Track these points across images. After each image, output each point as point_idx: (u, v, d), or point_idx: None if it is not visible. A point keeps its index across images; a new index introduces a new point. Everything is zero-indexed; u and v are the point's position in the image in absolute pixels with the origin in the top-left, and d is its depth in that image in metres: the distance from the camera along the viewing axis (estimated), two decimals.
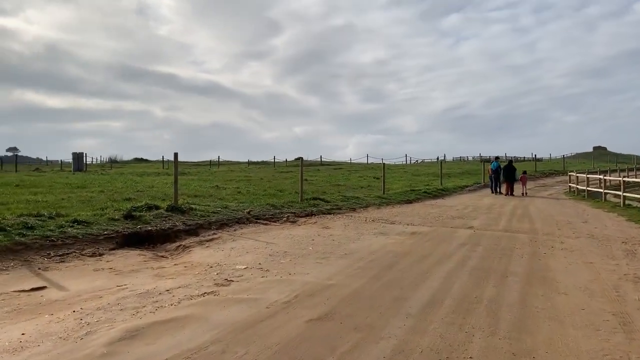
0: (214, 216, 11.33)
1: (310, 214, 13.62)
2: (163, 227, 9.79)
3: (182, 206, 11.55)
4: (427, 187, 23.99)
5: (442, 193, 22.46)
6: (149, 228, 9.57)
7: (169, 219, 10.44)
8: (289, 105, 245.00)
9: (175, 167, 12.40)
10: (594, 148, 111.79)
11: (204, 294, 5.56)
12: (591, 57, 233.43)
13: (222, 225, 10.84)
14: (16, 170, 35.60)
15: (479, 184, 27.97)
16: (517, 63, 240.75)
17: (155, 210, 11.02)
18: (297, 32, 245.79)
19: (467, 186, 26.28)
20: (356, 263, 7.34)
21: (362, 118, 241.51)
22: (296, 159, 75.13)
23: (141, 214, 10.50)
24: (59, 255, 7.45)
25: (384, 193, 19.97)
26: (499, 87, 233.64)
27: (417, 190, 21.73)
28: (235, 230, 10.56)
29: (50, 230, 8.37)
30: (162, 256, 8.21)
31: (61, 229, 8.49)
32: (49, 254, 7.47)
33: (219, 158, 51.44)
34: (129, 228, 9.39)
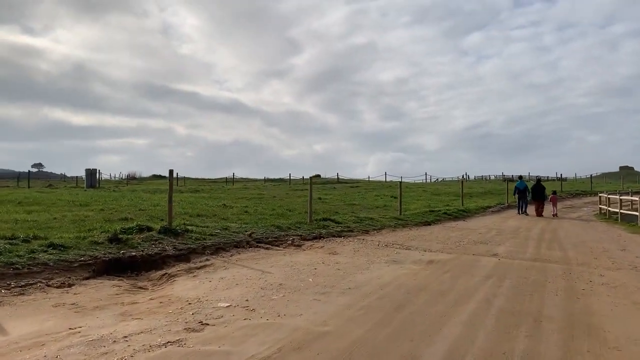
0: (210, 239, 10.34)
1: (318, 237, 12.55)
2: (150, 252, 8.82)
3: (177, 228, 10.59)
4: (447, 207, 22.74)
5: (463, 214, 21.18)
6: (133, 253, 8.60)
7: (159, 243, 9.48)
8: (309, 122, 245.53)
9: (170, 185, 11.49)
10: (621, 168, 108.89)
11: (166, 344, 4.52)
12: (614, 76, 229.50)
13: (218, 249, 9.84)
14: (29, 186, 35.30)
15: (502, 204, 26.58)
16: (538, 82, 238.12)
17: (146, 233, 10.08)
18: (318, 51, 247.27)
19: (490, 207, 24.94)
20: (360, 301, 6.23)
21: (381, 136, 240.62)
22: (314, 177, 74.39)
23: (129, 236, 9.56)
24: (20, 286, 6.50)
25: (400, 214, 18.81)
26: (520, 106, 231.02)
27: (436, 210, 20.51)
28: (231, 255, 9.54)
29: (19, 255, 7.45)
30: (141, 287, 7.21)
31: (31, 255, 7.57)
32: (9, 284, 6.53)
33: (233, 175, 50.73)
34: (110, 253, 8.44)
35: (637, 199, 19.54)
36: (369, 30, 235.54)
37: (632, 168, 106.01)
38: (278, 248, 10.78)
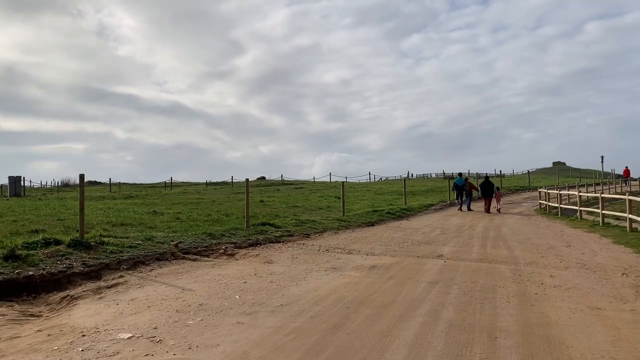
0: (128, 252, 9.18)
1: (254, 244, 11.59)
2: (52, 271, 7.60)
3: (90, 240, 9.36)
4: (390, 206, 22.29)
5: (406, 213, 20.76)
6: (31, 273, 7.36)
7: (66, 259, 8.25)
8: (254, 124, 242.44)
9: (81, 192, 10.25)
10: (554, 163, 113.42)
11: None
12: (545, 76, 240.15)
13: (137, 263, 8.71)
14: None
15: (444, 202, 26.48)
16: (475, 82, 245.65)
17: (53, 247, 8.81)
18: (261, 53, 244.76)
19: (432, 205, 24.72)
20: (292, 322, 5.36)
21: (327, 137, 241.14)
22: (258, 179, 72.98)
23: (31, 252, 8.28)
24: None
25: (343, 215, 18.12)
26: (458, 106, 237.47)
27: (379, 210, 19.97)
28: (151, 270, 8.44)
29: None
30: (34, 314, 6.05)
31: None
32: None
33: (171, 179, 48.75)
34: (2, 274, 7.17)
35: (575, 193, 19.73)
36: (311, 32, 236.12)
37: (564, 163, 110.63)
38: (207, 259, 9.75)
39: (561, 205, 20.54)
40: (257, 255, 10.19)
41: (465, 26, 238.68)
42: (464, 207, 24.01)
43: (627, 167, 46.23)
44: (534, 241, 12.45)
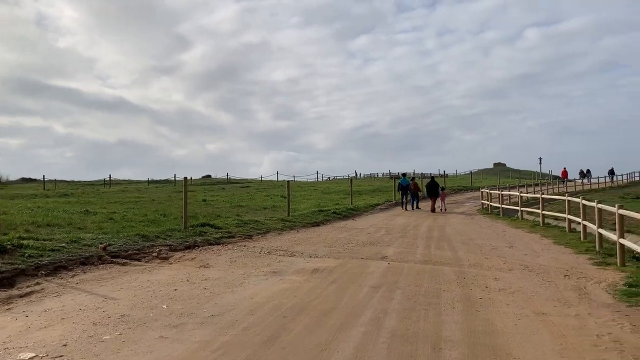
0: (50, 256, 8.39)
1: (191, 246, 10.97)
2: None
3: (6, 243, 8.50)
4: (336, 206, 22.06)
5: (352, 213, 20.57)
6: None
7: None
8: (201, 121, 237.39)
9: None
10: (495, 164, 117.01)
11: None
12: (488, 79, 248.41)
13: (58, 269, 7.96)
14: None
15: (390, 201, 26.55)
16: (421, 84, 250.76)
17: None
18: (209, 48, 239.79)
19: (378, 204, 24.69)
20: (222, 335, 4.89)
21: (275, 135, 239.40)
22: (204, 177, 71.35)
23: None
24: None
25: (288, 215, 17.69)
26: (404, 107, 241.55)
27: (325, 210, 19.67)
28: (73, 276, 7.72)
29: None
30: None
31: None
32: None
33: (110, 177, 46.79)
34: None
35: (516, 194, 20.12)
36: (260, 30, 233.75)
37: (504, 164, 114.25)
38: (138, 263, 9.09)
39: (503, 206, 20.93)
40: (193, 258, 9.61)
41: (412, 29, 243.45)
42: (409, 207, 24.32)
43: (565, 168, 48.31)
44: (477, 242, 12.45)
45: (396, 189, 26.27)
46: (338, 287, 7.10)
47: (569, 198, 13.97)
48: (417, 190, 25.20)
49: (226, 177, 53.36)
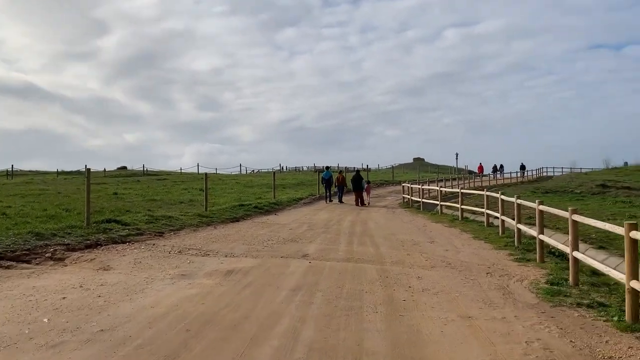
0: None
1: (93, 245, 9.90)
2: None
3: None
4: (258, 200, 21.33)
5: (275, 207, 19.94)
6: None
7: None
8: (119, 110, 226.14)
9: None
10: (414, 159, 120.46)
11: None
12: (408, 77, 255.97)
13: None
14: None
15: (314, 195, 26.16)
16: (346, 80, 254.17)
17: None
18: (128, 34, 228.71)
19: (302, 198, 24.22)
20: (109, 356, 4.12)
21: (198, 126, 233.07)
22: (119, 169, 67.70)
23: None
24: None
25: (206, 210, 16.75)
26: (330, 102, 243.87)
27: (246, 204, 18.89)
28: None
29: None
30: None
31: None
32: None
33: (12, 167, 43.11)
34: None
35: (435, 188, 20.35)
36: (182, 17, 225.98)
37: (423, 159, 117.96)
38: (26, 265, 7.97)
39: (423, 200, 21.13)
40: (92, 259, 8.60)
41: (337, 24, 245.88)
42: (335, 200, 24.32)
43: (480, 163, 50.35)
44: (399, 237, 12.25)
45: (320, 182, 26.04)
46: (253, 291, 6.47)
47: (487, 193, 14.15)
48: (344, 184, 25.18)
49: (142, 169, 50.82)
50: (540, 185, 37.44)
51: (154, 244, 10.50)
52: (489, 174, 48.45)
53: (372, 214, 18.91)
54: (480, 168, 50.06)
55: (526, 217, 13.90)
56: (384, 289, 6.61)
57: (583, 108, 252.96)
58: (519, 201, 10.38)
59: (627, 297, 5.07)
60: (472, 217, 16.33)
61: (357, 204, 22.86)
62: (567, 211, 7.04)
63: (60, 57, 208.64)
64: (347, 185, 25.50)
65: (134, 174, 51.42)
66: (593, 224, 6.28)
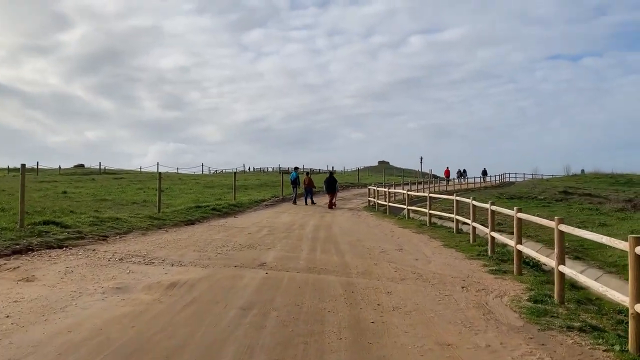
0: None
1: (23, 250, 8.75)
2: None
3: None
4: (218, 201, 20.25)
5: (234, 209, 18.90)
6: None
7: None
8: (80, 107, 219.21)
9: None
10: (379, 162, 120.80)
11: None
12: (374, 81, 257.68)
13: None
14: None
15: (277, 197, 25.22)
16: (312, 82, 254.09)
17: None
18: (91, 30, 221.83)
19: (264, 200, 23.24)
20: None
21: (162, 125, 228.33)
22: (76, 166, 65.07)
23: None
24: None
25: (159, 211, 15.61)
26: (296, 104, 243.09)
27: (204, 206, 17.80)
28: None
29: None
30: None
31: None
32: None
33: None
34: None
35: (402, 191, 19.73)
36: (148, 14, 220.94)
37: (388, 162, 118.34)
38: None
39: (389, 204, 20.47)
40: (15, 268, 7.47)
41: (304, 27, 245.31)
42: (302, 201, 24.17)
43: (447, 168, 50.39)
44: (365, 243, 11.47)
45: (285, 183, 25.35)
46: (197, 310, 5.53)
47: (458, 198, 13.54)
48: (312, 186, 24.65)
49: (99, 167, 48.83)
50: (504, 191, 37.42)
51: (94, 250, 9.40)
52: (453, 179, 48.44)
53: (337, 218, 18.11)
54: (447, 172, 50.08)
55: (495, 223, 13.37)
56: (349, 308, 5.77)
57: (541, 116, 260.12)
58: (493, 207, 9.73)
59: (630, 323, 4.38)
60: (440, 222, 15.72)
61: (329, 207, 22.30)
62: (553, 220, 6.36)
63: (18, 50, 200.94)
64: (314, 186, 24.85)
65: (91, 172, 49.36)
66: (584, 236, 5.62)
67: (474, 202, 11.56)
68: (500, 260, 9.23)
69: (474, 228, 11.53)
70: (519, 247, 7.98)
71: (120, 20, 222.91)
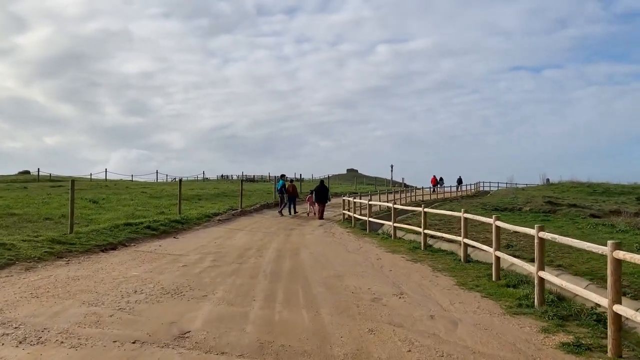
0: None
1: None
2: None
3: None
4: (159, 216, 16.46)
5: (177, 227, 15.13)
6: None
7: None
8: (39, 112, 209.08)
9: None
10: (348, 170, 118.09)
11: None
12: (341, 89, 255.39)
13: None
14: None
15: (235, 209, 21.51)
16: (280, 89, 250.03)
17: None
18: (51, 32, 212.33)
19: (218, 214, 19.49)
20: None
21: (125, 132, 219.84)
22: (21, 173, 59.84)
23: None
24: None
25: (71, 232, 11.81)
26: (263, 111, 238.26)
27: (136, 223, 14.01)
28: None
29: None
30: None
31: None
32: None
33: None
34: None
35: (387, 204, 16.41)
36: (111, 17, 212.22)
37: (357, 170, 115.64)
38: None
39: (370, 219, 17.05)
40: None
41: (272, 33, 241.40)
42: (285, 212, 22.42)
43: (434, 176, 47.75)
44: (347, 282, 8.03)
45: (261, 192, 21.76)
46: None
47: (467, 215, 10.22)
48: (295, 195, 23.16)
49: (37, 173, 44.17)
50: (486, 201, 34.60)
51: None
52: (430, 188, 45.63)
53: (306, 238, 14.59)
54: (434, 180, 47.49)
55: (503, 245, 10.22)
56: None
57: (505, 126, 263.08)
58: (544, 235, 6.41)
59: None
60: (436, 244, 12.41)
61: (319, 217, 21.29)
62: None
63: None
64: (298, 196, 23.36)
65: (34, 179, 44.59)
66: None
67: (498, 223, 8.25)
68: (559, 316, 5.93)
69: (497, 259, 8.21)
70: (618, 308, 4.65)
71: (83, 23, 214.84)
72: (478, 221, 10.43)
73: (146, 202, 22.32)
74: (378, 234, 15.72)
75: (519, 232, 9.06)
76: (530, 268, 6.78)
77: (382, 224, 17.23)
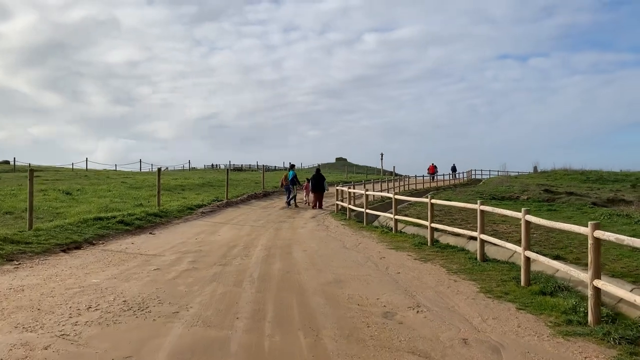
0: None
1: None
2: None
3: None
4: (136, 209, 15.01)
5: (153, 221, 13.69)
6: None
7: None
8: (23, 102, 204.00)
9: None
10: (337, 159, 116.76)
11: None
12: (329, 78, 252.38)
13: None
14: None
15: (220, 201, 20.08)
16: (267, 78, 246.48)
17: None
18: (34, 20, 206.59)
19: (201, 205, 18.05)
20: None
21: (112, 121, 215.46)
22: (1, 163, 57.86)
23: None
24: None
25: (30, 228, 10.36)
26: (251, 100, 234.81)
27: (108, 218, 12.55)
28: None
29: None
30: None
31: None
32: None
33: None
34: None
35: (389, 195, 15.10)
36: (95, 5, 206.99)
37: (346, 159, 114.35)
38: None
39: (367, 210, 15.70)
40: None
41: (258, 22, 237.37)
42: (293, 202, 21.28)
43: (432, 164, 46.67)
44: (350, 290, 6.69)
45: (227, 183, 20.20)
46: None
47: (483, 207, 8.90)
48: (294, 184, 21.94)
49: (13, 162, 42.28)
50: (481, 190, 33.49)
51: None
52: (429, 176, 44.45)
53: (298, 232, 13.22)
54: (432, 168, 46.37)
55: (496, 233, 8.95)
56: None
57: (492, 114, 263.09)
58: (601, 234, 5.10)
59: None
60: (442, 238, 11.11)
61: (319, 207, 20.51)
62: None
63: None
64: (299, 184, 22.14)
65: (11, 169, 42.71)
66: None
67: (530, 218, 6.92)
68: (627, 339, 4.64)
69: (527, 260, 6.90)
70: None
71: (66, 11, 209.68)
72: (498, 214, 9.12)
73: (125, 193, 20.77)
74: (376, 227, 14.38)
75: (554, 229, 7.79)
76: (582, 276, 5.47)
77: (378, 215, 15.93)
